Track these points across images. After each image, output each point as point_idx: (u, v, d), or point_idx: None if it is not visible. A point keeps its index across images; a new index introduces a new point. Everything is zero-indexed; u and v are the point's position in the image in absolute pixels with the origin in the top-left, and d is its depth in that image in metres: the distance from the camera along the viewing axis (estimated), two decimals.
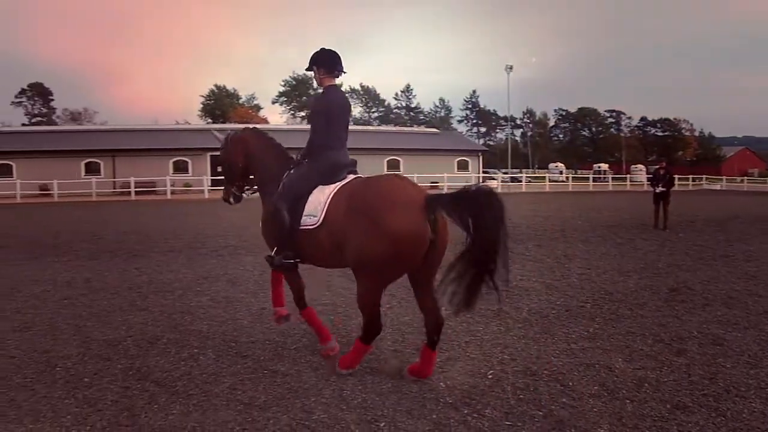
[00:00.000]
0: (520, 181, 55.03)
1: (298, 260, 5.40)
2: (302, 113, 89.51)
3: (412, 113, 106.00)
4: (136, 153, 41.47)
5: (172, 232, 15.56)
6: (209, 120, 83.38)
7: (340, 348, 5.56)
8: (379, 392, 4.69)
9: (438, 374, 5.02)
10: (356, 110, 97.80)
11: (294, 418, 4.26)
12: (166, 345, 5.98)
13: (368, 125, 75.66)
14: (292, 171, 5.52)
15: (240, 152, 5.98)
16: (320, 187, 5.21)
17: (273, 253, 5.44)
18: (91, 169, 41.14)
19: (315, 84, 5.92)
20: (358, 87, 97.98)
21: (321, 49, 5.58)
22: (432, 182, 47.24)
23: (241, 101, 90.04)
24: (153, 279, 9.28)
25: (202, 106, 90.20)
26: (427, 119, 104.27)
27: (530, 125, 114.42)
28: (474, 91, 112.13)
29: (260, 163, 5.91)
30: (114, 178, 40.61)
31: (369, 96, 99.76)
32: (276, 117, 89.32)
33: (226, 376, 5.07)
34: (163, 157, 41.31)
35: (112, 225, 19.15)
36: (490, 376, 4.99)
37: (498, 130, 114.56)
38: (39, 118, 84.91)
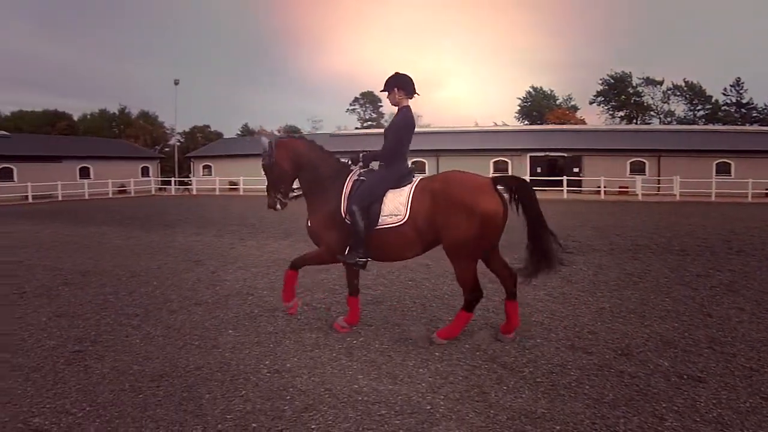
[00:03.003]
0: None
1: (368, 258, 5.94)
2: (621, 113, 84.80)
3: (743, 110, 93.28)
4: (459, 153, 43.28)
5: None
6: (526, 122, 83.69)
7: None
8: (737, 410, 4.28)
9: None
10: (679, 108, 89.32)
11: (645, 422, 4.09)
12: None
13: (693, 124, 68.73)
14: (363, 177, 6.05)
15: (288, 158, 6.20)
16: (392, 190, 5.90)
17: (346, 252, 5.91)
18: (417, 168, 43.92)
19: (389, 103, 6.24)
20: (681, 83, 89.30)
21: (397, 73, 6.11)
22: None
23: (558, 102, 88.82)
24: (487, 270, 9.47)
25: (519, 108, 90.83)
26: (762, 116, 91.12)
27: None
28: None
29: (311, 169, 6.23)
30: None
31: (693, 93, 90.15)
32: (593, 117, 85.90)
33: (572, 369, 5.04)
34: (484, 158, 42.32)
35: None
36: None
37: None
38: (369, 123, 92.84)
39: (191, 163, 55.21)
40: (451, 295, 7.76)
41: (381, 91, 6.16)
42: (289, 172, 6.25)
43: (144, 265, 10.74)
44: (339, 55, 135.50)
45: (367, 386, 4.72)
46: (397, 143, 6.00)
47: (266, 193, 6.33)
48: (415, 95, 6.14)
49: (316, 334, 6.19)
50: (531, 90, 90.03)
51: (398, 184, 5.92)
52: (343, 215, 5.89)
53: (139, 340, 6.13)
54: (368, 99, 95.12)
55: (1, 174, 39.86)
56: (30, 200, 37.32)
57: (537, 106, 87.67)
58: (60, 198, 38.87)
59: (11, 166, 40.58)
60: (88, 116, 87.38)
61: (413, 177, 6.05)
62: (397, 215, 5.74)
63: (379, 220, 5.79)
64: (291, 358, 5.44)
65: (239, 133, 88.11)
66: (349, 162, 6.19)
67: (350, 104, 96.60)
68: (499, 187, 5.77)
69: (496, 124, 69.52)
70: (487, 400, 4.44)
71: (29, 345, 6.05)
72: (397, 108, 6.12)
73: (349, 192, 5.94)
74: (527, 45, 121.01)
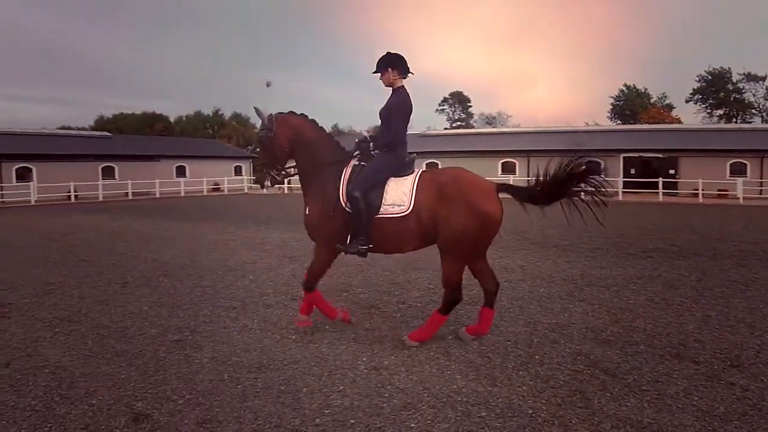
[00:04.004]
0: None
1: (370, 246, 5.72)
2: (720, 111, 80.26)
3: None
4: (549, 153, 42.00)
5: (593, 230, 15.48)
6: (619, 121, 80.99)
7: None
8: None
9: None
10: None
11: None
12: (609, 337, 5.97)
13: None
14: (363, 162, 5.83)
15: (287, 135, 5.96)
16: (393, 179, 5.70)
17: (347, 241, 5.72)
18: (507, 169, 43.16)
19: (383, 84, 5.92)
20: None
21: (389, 53, 5.86)
22: None
23: (652, 101, 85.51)
24: (585, 273, 9.37)
25: (611, 107, 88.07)
26: None
27: None
28: None
29: (311, 150, 5.99)
30: (528, 177, 41.87)
31: None
32: (690, 116, 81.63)
33: (678, 379, 4.82)
34: None
35: (531, 220, 19.66)
36: None
37: None
38: (458, 123, 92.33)
39: None
40: (549, 298, 7.64)
41: (373, 72, 5.92)
42: (286, 150, 6.07)
43: (239, 260, 11.06)
44: (428, 55, 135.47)
45: (465, 387, 4.67)
46: (402, 128, 5.83)
47: (257, 168, 6.13)
48: (409, 74, 5.93)
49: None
50: (624, 88, 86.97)
51: (400, 173, 5.76)
52: (343, 202, 5.72)
53: (237, 332, 6.30)
54: (457, 99, 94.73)
55: (104, 172, 41.95)
56: (130, 197, 39.17)
57: (630, 104, 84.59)
58: (158, 195, 40.62)
59: (113, 165, 42.71)
60: (184, 118, 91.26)
61: (414, 167, 5.90)
62: (400, 205, 5.58)
63: (382, 209, 5.62)
64: (388, 355, 5.45)
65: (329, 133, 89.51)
66: (357, 153, 5.98)
67: (439, 104, 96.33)
68: (500, 194, 5.67)
69: (587, 124, 67.77)
70: (590, 406, 4.30)
71: (132, 332, 6.36)
72: (391, 89, 5.92)
73: (348, 177, 5.78)
74: (621, 41, 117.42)
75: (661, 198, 33.22)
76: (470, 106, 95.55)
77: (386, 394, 4.57)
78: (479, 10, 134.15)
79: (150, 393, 4.69)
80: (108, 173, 42.30)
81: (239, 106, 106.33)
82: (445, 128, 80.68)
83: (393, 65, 5.85)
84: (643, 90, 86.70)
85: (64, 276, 9.77)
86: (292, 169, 6.26)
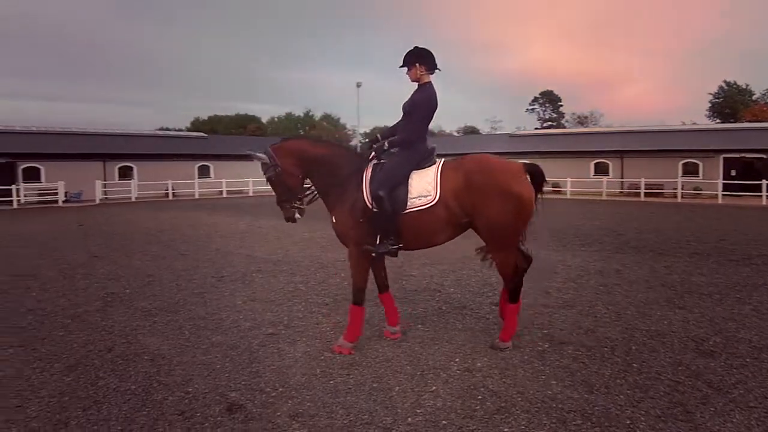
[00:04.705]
0: None
1: (401, 245, 5.64)
2: None
3: None
4: (644, 154, 40.82)
5: (693, 234, 14.94)
6: (718, 120, 77.32)
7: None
8: None
9: None
10: None
11: None
12: (713, 348, 5.71)
13: None
14: (383, 161, 5.72)
15: (294, 163, 5.85)
16: (416, 171, 5.65)
17: (377, 242, 5.61)
18: (600, 170, 41.94)
19: (410, 79, 5.74)
20: None
21: (417, 47, 5.74)
22: None
23: (754, 98, 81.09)
24: (684, 279, 9.02)
25: (710, 104, 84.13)
26: None
27: None
28: None
29: (323, 165, 5.88)
30: (622, 178, 40.76)
31: None
32: None
33: None
34: (671, 159, 39.71)
35: (626, 223, 19.01)
36: None
37: None
38: (549, 123, 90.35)
39: None
40: (646, 304, 7.39)
41: (400, 66, 5.78)
42: (299, 177, 5.94)
43: (331, 257, 11.25)
44: (519, 53, 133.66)
45: (561, 393, 4.59)
46: (422, 125, 5.69)
47: (279, 207, 6.00)
48: (437, 70, 5.77)
49: None
50: (723, 85, 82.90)
51: (421, 165, 5.68)
52: (368, 203, 5.57)
53: (329, 328, 6.42)
54: (548, 98, 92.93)
55: (199, 171, 43.62)
56: (224, 195, 40.55)
57: (730, 102, 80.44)
58: (251, 194, 41.85)
59: (208, 164, 44.28)
60: (276, 119, 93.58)
61: (435, 158, 5.80)
62: (426, 196, 5.49)
63: (408, 203, 5.52)
64: (481, 357, 5.43)
65: None
66: (372, 152, 5.82)
67: (530, 104, 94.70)
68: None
69: (684, 123, 65.07)
70: (692, 420, 4.13)
71: (227, 325, 6.61)
72: (417, 84, 5.77)
73: (370, 178, 5.66)
74: (719, 34, 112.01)
75: (764, 201, 31.49)
76: (561, 106, 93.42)
77: (479, 397, 4.54)
78: (571, 7, 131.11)
79: (244, 384, 4.85)
80: (203, 172, 43.91)
81: (329, 107, 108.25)
82: (536, 128, 79.27)
83: (421, 60, 5.73)
84: (744, 86, 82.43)
85: (163, 269, 10.24)
86: (313, 192, 6.15)
